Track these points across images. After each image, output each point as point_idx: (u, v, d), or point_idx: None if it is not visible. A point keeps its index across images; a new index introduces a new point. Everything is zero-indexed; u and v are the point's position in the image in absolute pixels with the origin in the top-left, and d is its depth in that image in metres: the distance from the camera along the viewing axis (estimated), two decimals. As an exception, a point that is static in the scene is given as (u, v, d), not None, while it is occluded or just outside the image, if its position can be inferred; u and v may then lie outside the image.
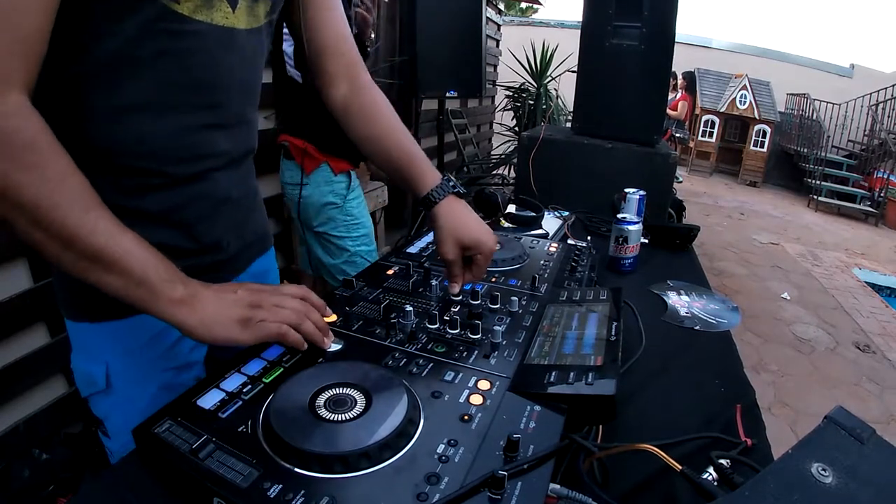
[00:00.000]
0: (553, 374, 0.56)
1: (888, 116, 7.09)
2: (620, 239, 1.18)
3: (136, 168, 0.62)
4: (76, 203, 0.50)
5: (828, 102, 7.63)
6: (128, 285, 0.52)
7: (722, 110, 8.16)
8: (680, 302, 1.06)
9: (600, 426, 0.60)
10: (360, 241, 1.72)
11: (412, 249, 0.98)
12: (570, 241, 1.20)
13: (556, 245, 1.04)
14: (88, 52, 0.55)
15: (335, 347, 0.62)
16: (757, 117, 7.91)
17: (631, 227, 1.17)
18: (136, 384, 0.70)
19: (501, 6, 6.32)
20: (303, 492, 0.41)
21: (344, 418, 0.49)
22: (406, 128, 0.82)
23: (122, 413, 0.70)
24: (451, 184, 0.77)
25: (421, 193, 0.77)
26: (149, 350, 0.70)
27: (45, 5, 0.49)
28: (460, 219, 0.75)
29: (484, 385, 0.56)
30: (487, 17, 3.35)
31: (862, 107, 7.50)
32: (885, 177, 6.64)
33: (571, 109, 1.99)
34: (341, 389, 0.52)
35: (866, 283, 4.30)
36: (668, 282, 1.16)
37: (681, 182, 7.36)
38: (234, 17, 0.63)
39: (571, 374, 0.56)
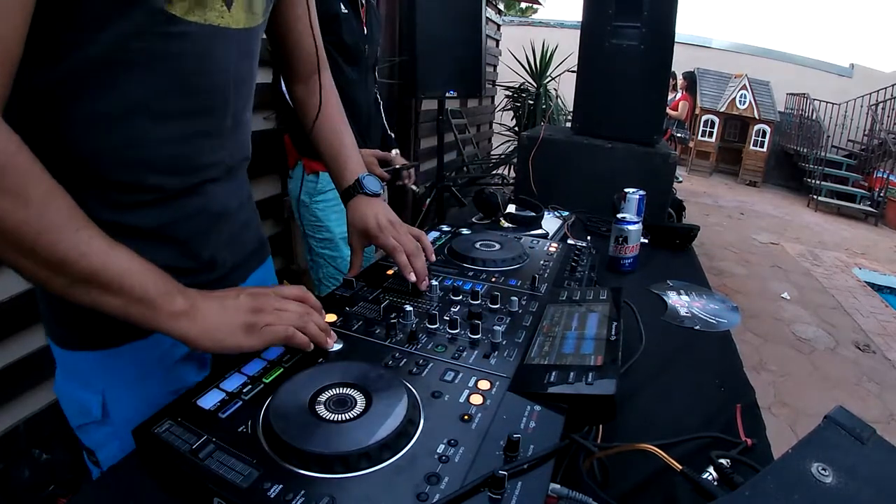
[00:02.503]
0: (553, 373, 0.56)
1: (888, 116, 7.09)
2: (620, 239, 1.18)
3: (126, 181, 0.59)
4: (65, 225, 0.47)
5: (828, 102, 7.64)
6: (127, 304, 0.50)
7: (722, 110, 8.16)
8: (680, 302, 1.06)
9: (600, 426, 0.60)
10: (322, 244, 1.75)
11: (412, 249, 0.98)
12: (570, 241, 1.20)
13: (556, 245, 1.04)
14: (74, 57, 0.51)
15: (336, 347, 0.62)
16: (757, 117, 7.91)
17: (631, 227, 1.17)
18: (135, 413, 0.64)
19: (501, 6, 6.32)
20: (303, 492, 0.41)
21: (344, 418, 0.49)
22: (345, 131, 0.91)
23: (119, 442, 0.66)
24: (360, 186, 0.86)
25: (339, 189, 0.89)
26: (149, 377, 0.67)
27: (19, 12, 0.44)
28: (358, 211, 0.85)
29: (484, 385, 0.56)
30: (487, 18, 3.35)
31: (862, 107, 7.50)
32: (885, 176, 6.64)
33: (571, 109, 1.99)
34: (341, 389, 0.52)
35: (866, 282, 4.30)
36: (668, 282, 1.16)
37: (681, 182, 7.35)
38: (229, 15, 0.60)
39: (571, 373, 0.56)
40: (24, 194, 0.44)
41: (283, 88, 1.56)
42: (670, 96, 6.80)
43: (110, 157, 0.57)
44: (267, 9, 0.69)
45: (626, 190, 1.35)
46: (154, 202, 0.62)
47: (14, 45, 0.45)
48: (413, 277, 0.77)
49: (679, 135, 7.41)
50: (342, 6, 1.54)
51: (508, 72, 5.10)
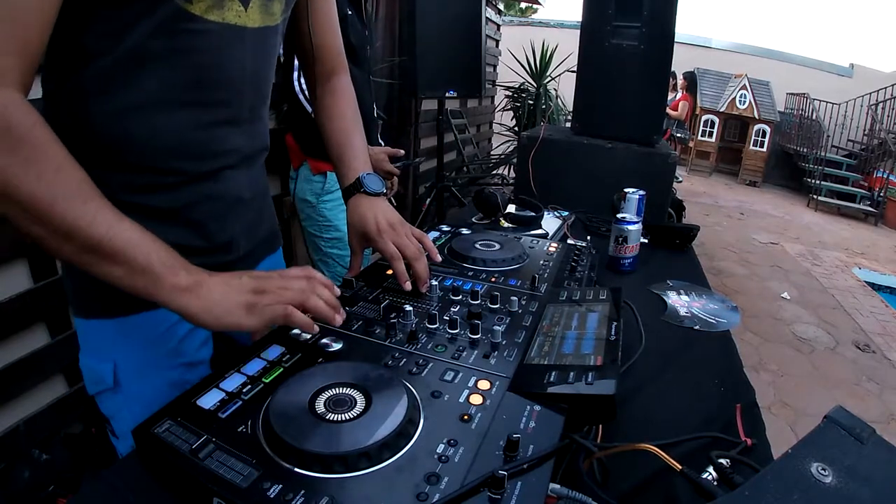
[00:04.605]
0: (553, 373, 0.56)
1: (888, 116, 7.09)
2: (620, 239, 1.18)
3: (148, 165, 0.62)
4: (74, 195, 0.50)
5: (828, 102, 7.63)
6: (131, 274, 0.52)
7: (722, 110, 8.16)
8: (679, 302, 1.06)
9: (600, 426, 0.60)
10: (331, 243, 1.75)
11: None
12: (569, 241, 1.20)
13: (555, 245, 1.04)
14: (101, 53, 0.56)
15: (336, 347, 0.62)
16: (757, 117, 7.91)
17: (631, 227, 1.17)
18: (144, 382, 0.70)
19: (501, 6, 6.32)
20: (303, 492, 0.41)
21: (344, 418, 0.49)
22: (355, 131, 0.91)
23: (129, 411, 0.70)
24: (360, 184, 0.85)
25: (341, 188, 0.89)
26: (157, 347, 0.70)
27: (47, 4, 0.49)
28: (357, 211, 0.85)
29: (484, 385, 0.56)
30: (487, 18, 3.35)
31: (862, 106, 7.50)
32: (885, 176, 6.63)
33: (571, 109, 1.99)
34: (341, 389, 0.52)
35: (866, 282, 4.30)
36: (668, 281, 1.16)
37: (681, 182, 7.35)
38: (246, 15, 0.64)
39: (571, 373, 0.56)
40: (38, 165, 0.48)
41: (297, 89, 1.57)
42: (670, 96, 6.80)
43: (133, 143, 0.61)
44: (285, 10, 0.71)
45: (626, 190, 1.35)
46: (174, 185, 0.65)
47: (36, 41, 0.49)
48: (409, 287, 0.76)
49: (679, 135, 7.41)
50: (347, 8, 1.55)
51: (508, 72, 5.10)
